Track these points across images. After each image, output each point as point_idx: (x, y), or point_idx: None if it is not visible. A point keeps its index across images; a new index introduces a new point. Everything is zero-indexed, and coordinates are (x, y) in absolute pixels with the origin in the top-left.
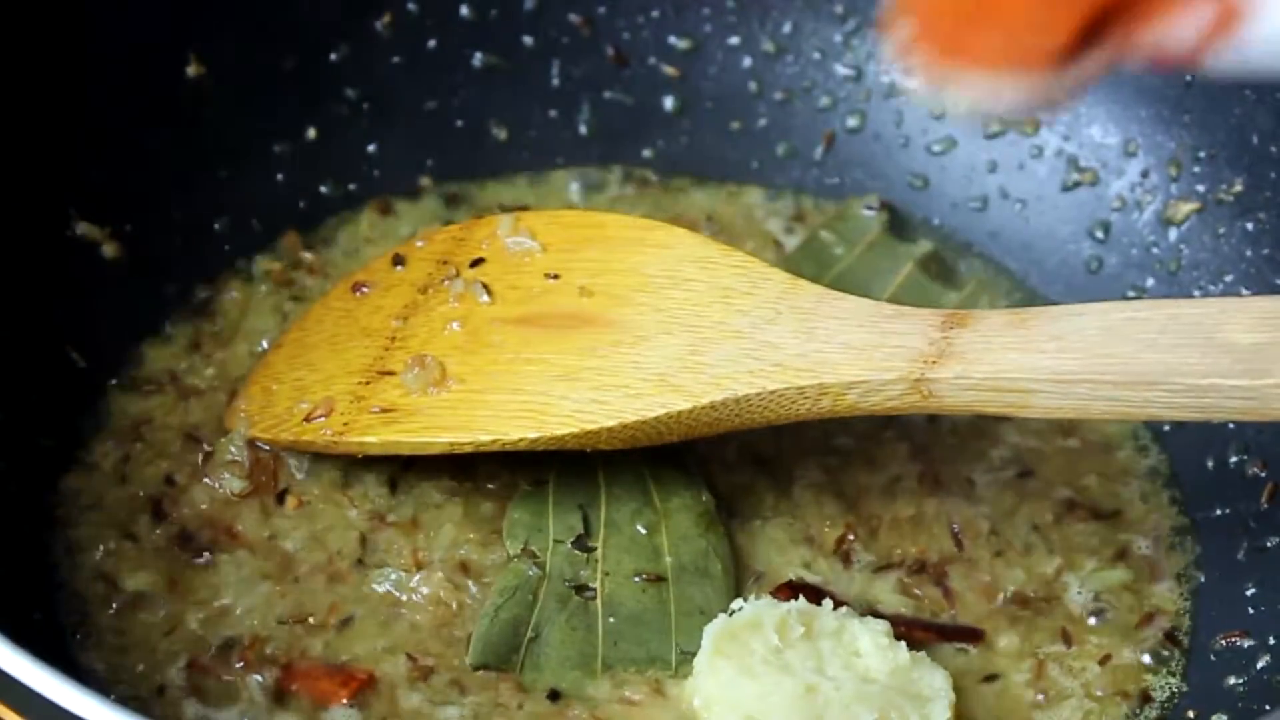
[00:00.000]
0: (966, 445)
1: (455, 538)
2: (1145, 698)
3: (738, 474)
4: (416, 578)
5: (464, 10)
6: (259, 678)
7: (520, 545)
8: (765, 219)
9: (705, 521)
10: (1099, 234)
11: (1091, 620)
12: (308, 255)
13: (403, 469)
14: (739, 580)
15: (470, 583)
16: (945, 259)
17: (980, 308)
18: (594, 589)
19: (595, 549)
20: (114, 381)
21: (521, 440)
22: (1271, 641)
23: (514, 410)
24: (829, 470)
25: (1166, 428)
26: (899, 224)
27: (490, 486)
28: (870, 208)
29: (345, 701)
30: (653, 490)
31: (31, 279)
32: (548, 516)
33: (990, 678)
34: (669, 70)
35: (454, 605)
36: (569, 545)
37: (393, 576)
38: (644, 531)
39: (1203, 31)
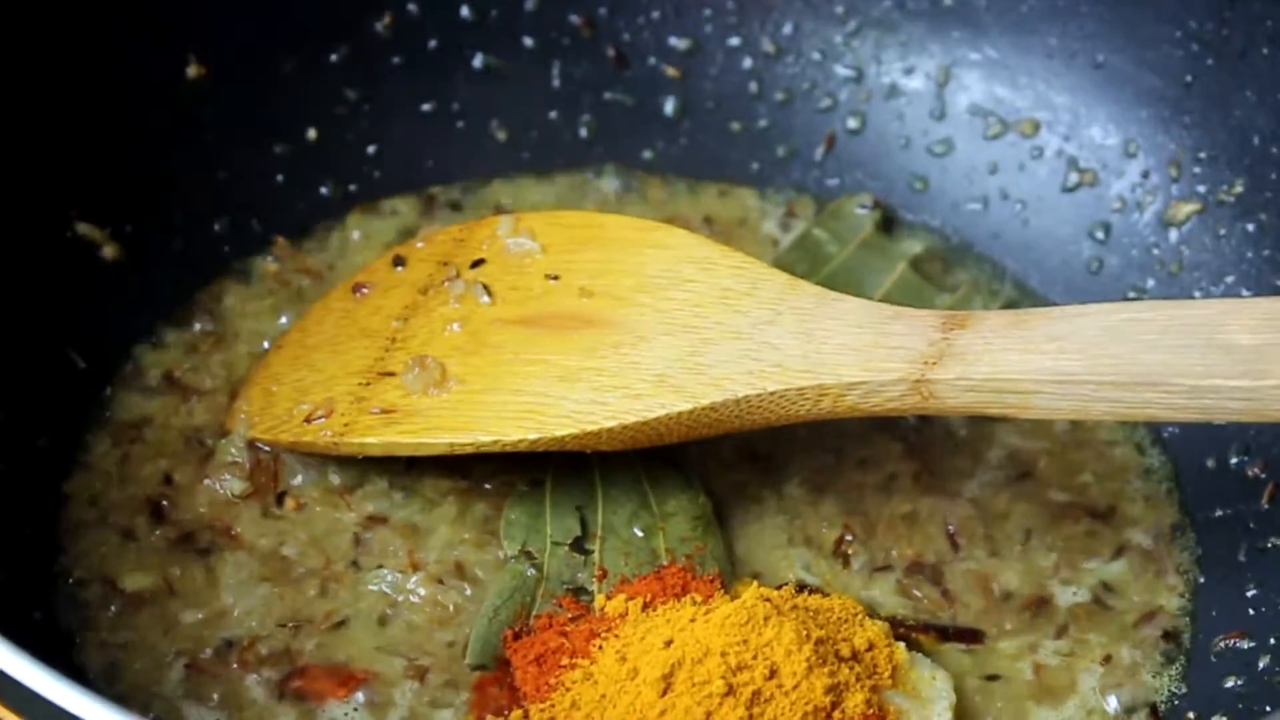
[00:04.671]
0: (962, 444)
1: (451, 539)
2: (1145, 698)
3: (734, 472)
4: (413, 579)
5: (464, 11)
6: (257, 678)
7: (518, 546)
8: (764, 220)
9: (703, 525)
10: (1099, 235)
11: (1091, 620)
12: (308, 256)
13: (401, 470)
14: (737, 582)
15: (466, 584)
16: (939, 259)
17: (975, 308)
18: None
19: (593, 552)
20: (114, 382)
21: (521, 441)
22: (1272, 642)
23: (514, 411)
24: (824, 468)
25: (1167, 429)
26: (891, 222)
27: (486, 486)
28: (863, 206)
29: (342, 701)
30: (649, 493)
31: (31, 280)
32: (545, 518)
33: (991, 678)
34: (669, 71)
35: (450, 606)
36: (566, 548)
37: (389, 578)
38: (641, 534)
39: None
